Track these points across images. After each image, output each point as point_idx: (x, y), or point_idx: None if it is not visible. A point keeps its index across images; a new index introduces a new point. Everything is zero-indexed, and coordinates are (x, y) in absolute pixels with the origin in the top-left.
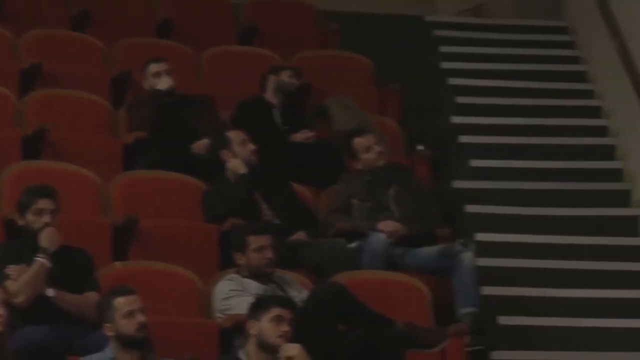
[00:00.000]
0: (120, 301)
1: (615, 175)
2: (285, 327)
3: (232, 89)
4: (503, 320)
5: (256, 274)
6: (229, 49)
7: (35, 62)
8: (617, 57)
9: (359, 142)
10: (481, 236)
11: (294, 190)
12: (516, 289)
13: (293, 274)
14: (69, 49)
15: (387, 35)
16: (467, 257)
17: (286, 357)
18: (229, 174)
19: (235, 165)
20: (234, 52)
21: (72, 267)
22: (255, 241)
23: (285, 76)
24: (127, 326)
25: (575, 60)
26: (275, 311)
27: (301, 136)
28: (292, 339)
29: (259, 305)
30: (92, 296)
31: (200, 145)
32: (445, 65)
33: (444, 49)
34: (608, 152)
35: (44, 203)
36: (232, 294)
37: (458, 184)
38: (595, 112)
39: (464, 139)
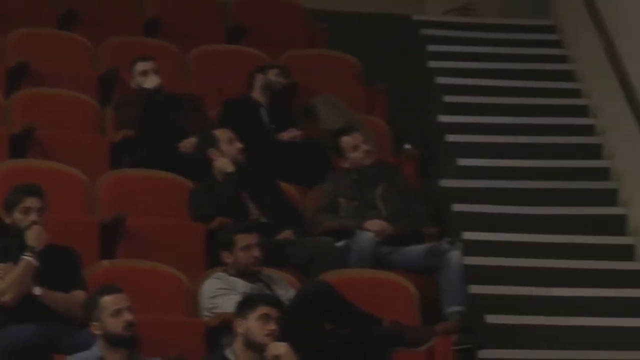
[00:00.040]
0: (107, 300)
1: (603, 174)
2: (272, 326)
3: (219, 88)
4: (490, 319)
5: (243, 273)
6: (216, 48)
7: (22, 60)
8: (604, 56)
9: (346, 140)
10: (468, 235)
11: (281, 189)
12: (503, 287)
13: (280, 273)
14: (56, 48)
15: (374, 34)
16: (455, 255)
17: (273, 355)
18: (216, 173)
19: (223, 163)
20: (221, 51)
21: (59, 266)
22: (242, 240)
23: (273, 75)
24: (115, 325)
25: (562, 59)
26: (263, 310)
27: (288, 135)
28: (279, 338)
29: (246, 304)
30: (79, 295)
31: (188, 143)
32: (433, 64)
33: (432, 48)
34: (595, 151)
35: (31, 201)
36: (219, 293)
37: (445, 182)
38: (583, 111)
39: (451, 137)
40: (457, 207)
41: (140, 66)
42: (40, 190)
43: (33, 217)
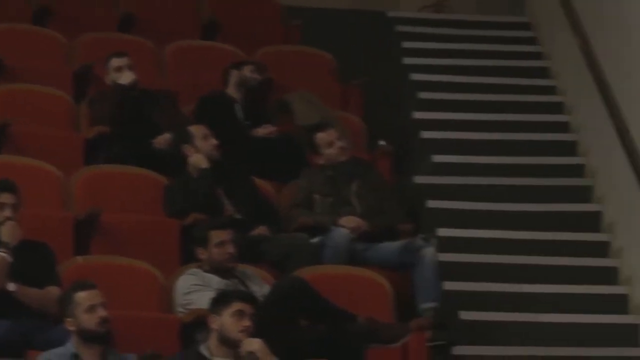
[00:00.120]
0: (81, 296)
1: (577, 170)
2: (246, 322)
3: (194, 84)
4: (464, 315)
5: (218, 269)
6: (191, 44)
7: None
8: (579, 53)
9: (321, 137)
10: (443, 231)
11: (255, 185)
12: (477, 284)
13: (255, 269)
14: (31, 44)
15: (349, 30)
16: (429, 252)
17: (247, 351)
18: (190, 169)
19: (197, 160)
20: (196, 47)
21: (33, 262)
22: (216, 236)
23: (248, 71)
24: (89, 321)
25: (537, 56)
26: (237, 306)
27: (263, 131)
28: (253, 334)
29: (221, 300)
30: (53, 291)
31: (162, 140)
32: (408, 60)
33: (407, 44)
34: (570, 148)
35: (5, 197)
36: (194, 289)
37: (420, 179)
38: (557, 108)
39: (426, 134)
40: (432, 204)
41: (115, 62)
42: (14, 186)
43: (7, 213)
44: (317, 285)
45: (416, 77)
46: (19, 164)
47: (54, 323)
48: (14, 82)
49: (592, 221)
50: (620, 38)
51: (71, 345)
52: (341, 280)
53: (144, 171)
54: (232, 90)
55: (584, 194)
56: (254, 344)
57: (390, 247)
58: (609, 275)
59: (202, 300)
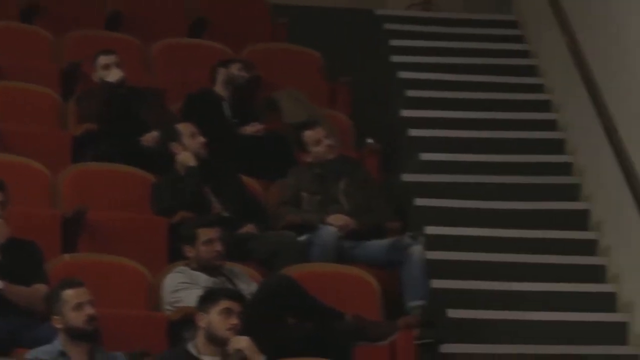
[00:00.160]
0: (68, 293)
1: (565, 169)
2: (234, 320)
3: (182, 82)
4: (452, 313)
5: (205, 267)
6: (179, 42)
7: None
8: (567, 51)
9: (309, 135)
10: (431, 229)
11: (243, 183)
12: (465, 282)
13: (242, 267)
14: (18, 41)
15: (337, 28)
16: (417, 250)
17: (235, 349)
18: (178, 167)
19: (185, 157)
20: (184, 45)
21: (20, 259)
22: (204, 234)
23: (235, 69)
24: (76, 319)
25: (524, 54)
26: (224, 304)
27: (251, 129)
28: (241, 332)
29: (208, 298)
30: (40, 288)
31: (150, 137)
32: (396, 58)
33: (394, 42)
34: (557, 146)
35: None
36: (181, 287)
37: (407, 177)
38: (545, 106)
39: (413, 132)
40: (420, 202)
41: (103, 60)
42: (1, 184)
43: None
44: (305, 283)
45: (404, 74)
46: (6, 161)
47: (42, 321)
48: (1, 80)
49: (580, 219)
50: (608, 37)
51: (58, 343)
52: (329, 278)
53: (131, 169)
54: (219, 88)
55: (571, 192)
56: (242, 342)
57: (378, 245)
58: (596, 273)
59: (189, 298)
